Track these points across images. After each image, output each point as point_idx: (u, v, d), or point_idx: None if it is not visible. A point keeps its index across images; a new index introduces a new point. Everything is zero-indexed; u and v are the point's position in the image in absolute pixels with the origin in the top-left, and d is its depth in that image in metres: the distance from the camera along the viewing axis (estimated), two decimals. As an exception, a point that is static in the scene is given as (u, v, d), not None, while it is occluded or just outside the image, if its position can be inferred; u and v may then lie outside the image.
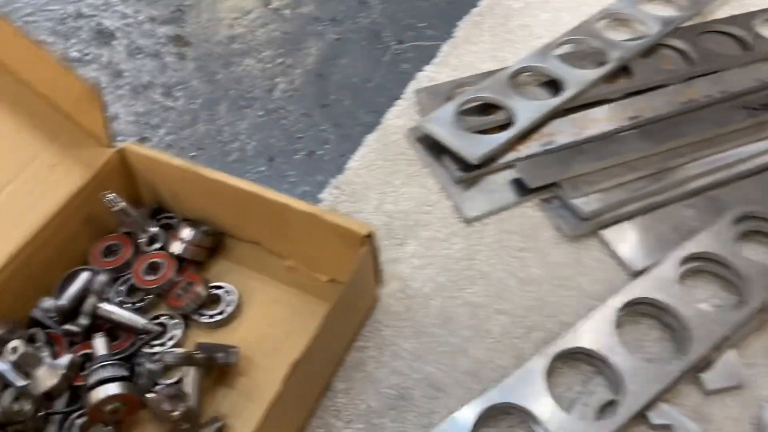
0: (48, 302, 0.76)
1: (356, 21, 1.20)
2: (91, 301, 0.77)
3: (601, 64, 1.04)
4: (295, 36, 1.18)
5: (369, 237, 0.72)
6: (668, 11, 1.13)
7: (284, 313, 0.81)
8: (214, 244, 0.86)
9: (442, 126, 0.93)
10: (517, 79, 1.03)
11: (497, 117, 0.97)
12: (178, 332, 0.79)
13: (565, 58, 1.04)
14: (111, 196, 0.81)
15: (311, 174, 0.98)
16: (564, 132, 0.95)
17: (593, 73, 1.00)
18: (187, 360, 0.72)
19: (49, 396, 0.73)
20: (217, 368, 0.76)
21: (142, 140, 1.04)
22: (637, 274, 0.83)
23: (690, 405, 0.73)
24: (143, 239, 0.85)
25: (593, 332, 0.77)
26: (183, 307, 0.79)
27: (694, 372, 0.75)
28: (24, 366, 0.72)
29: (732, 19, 1.11)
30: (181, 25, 1.20)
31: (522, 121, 0.94)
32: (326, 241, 0.76)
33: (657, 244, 0.85)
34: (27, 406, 0.69)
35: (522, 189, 0.91)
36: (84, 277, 0.80)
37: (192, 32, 1.19)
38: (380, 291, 0.83)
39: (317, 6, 1.23)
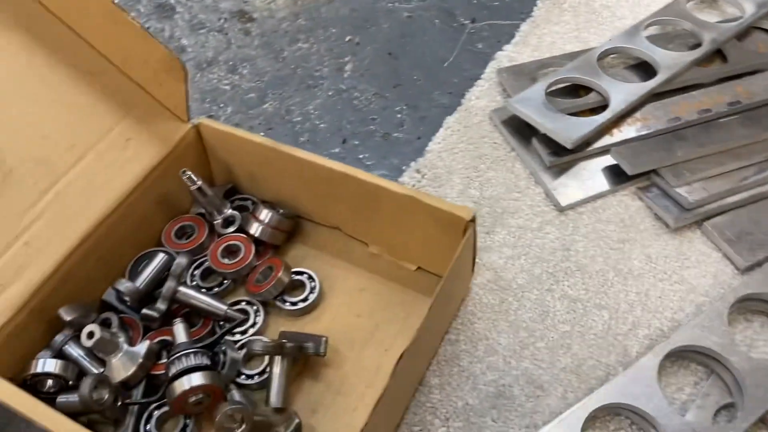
0: (126, 284, 0.71)
1: (427, -1, 1.15)
2: (170, 284, 0.72)
3: (693, 46, 0.98)
4: (364, 13, 1.12)
5: (473, 222, 0.66)
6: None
7: (371, 302, 0.76)
8: (291, 228, 0.81)
9: (532, 107, 0.88)
10: (603, 61, 0.97)
11: (588, 99, 0.91)
12: (259, 320, 0.74)
13: (654, 39, 0.98)
14: (189, 173, 0.76)
15: (387, 157, 0.93)
16: (658, 117, 0.89)
17: (688, 56, 0.94)
18: (276, 349, 0.67)
19: (126, 385, 0.68)
20: (303, 359, 0.71)
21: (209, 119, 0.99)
22: (745, 268, 0.77)
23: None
24: (218, 221, 0.80)
25: (704, 330, 0.71)
26: (263, 293, 0.74)
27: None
28: (99, 352, 0.68)
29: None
30: (245, 0, 1.15)
31: (616, 104, 0.88)
32: (420, 226, 0.71)
33: (766, 237, 0.79)
34: (106, 395, 0.65)
35: (617, 176, 0.86)
36: (161, 259, 0.75)
37: (256, 7, 1.14)
38: (472, 282, 0.78)
39: (385, -17, 1.18)
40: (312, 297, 0.75)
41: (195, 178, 0.76)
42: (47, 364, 0.66)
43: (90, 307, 0.72)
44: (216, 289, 0.77)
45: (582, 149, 0.86)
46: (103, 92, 0.76)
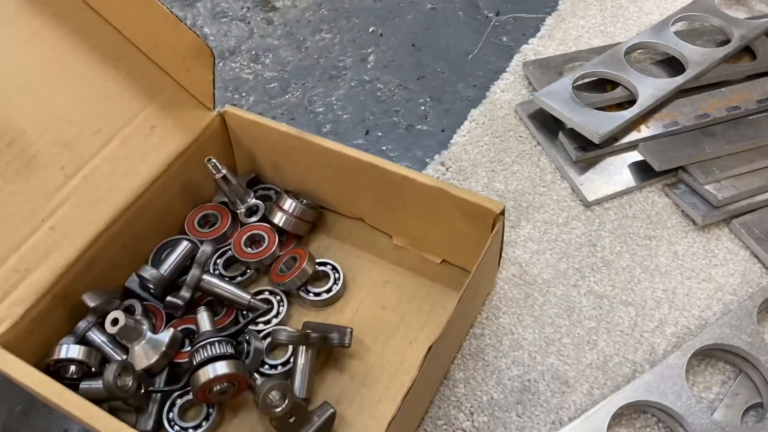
0: (150, 271, 0.71)
1: (451, -9, 1.14)
2: (194, 272, 0.71)
3: (722, 43, 0.97)
4: (387, 4, 1.12)
5: (502, 215, 0.66)
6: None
7: (396, 295, 0.75)
8: (315, 218, 0.81)
9: (559, 101, 0.87)
10: (630, 56, 0.96)
11: (616, 94, 0.90)
12: (282, 310, 0.73)
13: (682, 35, 0.97)
14: (214, 161, 0.75)
15: (411, 149, 0.92)
16: (686, 113, 0.88)
17: (717, 52, 0.93)
18: (301, 339, 0.67)
19: (149, 372, 0.68)
20: (326, 350, 0.71)
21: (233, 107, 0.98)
22: (775, 267, 0.77)
23: None
24: (241, 210, 0.80)
25: (733, 329, 0.70)
26: (287, 283, 0.74)
27: None
28: (122, 339, 0.68)
29: None
30: (267, -11, 1.15)
31: (644, 99, 0.87)
32: (447, 218, 0.71)
33: (796, 237, 0.78)
34: (129, 382, 0.64)
35: (644, 172, 0.85)
36: (184, 247, 0.75)
37: (279, -3, 1.14)
38: (497, 276, 0.77)
39: (408, -26, 1.17)
40: (336, 288, 0.75)
41: (220, 167, 0.76)
42: (71, 349, 0.66)
43: (113, 293, 0.72)
44: (239, 279, 0.76)
45: (609, 144, 0.85)
46: (130, 78, 0.76)
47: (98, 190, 0.71)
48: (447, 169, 0.88)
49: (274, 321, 0.73)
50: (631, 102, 0.88)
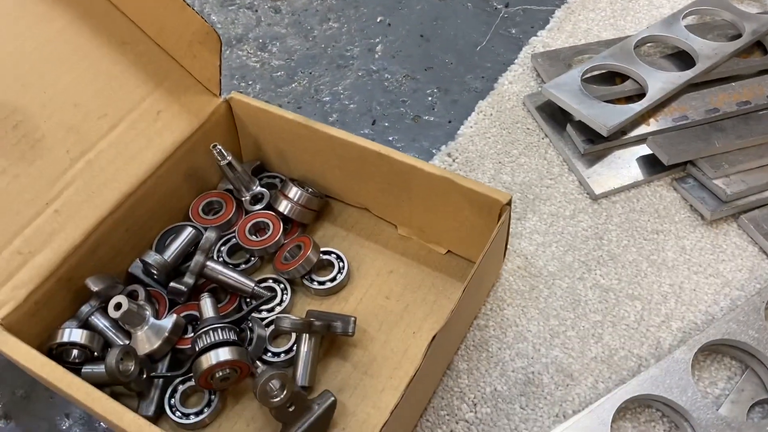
0: (154, 257, 0.70)
1: (459, -18, 1.13)
2: (198, 259, 0.71)
3: (733, 37, 0.96)
4: (396, -6, 1.11)
5: (509, 206, 0.65)
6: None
7: (400, 284, 0.75)
8: (320, 207, 0.80)
9: (568, 93, 0.86)
10: (639, 49, 0.95)
11: (625, 87, 0.89)
12: (286, 298, 0.73)
13: (692, 29, 0.96)
14: (220, 147, 0.75)
15: (417, 140, 0.91)
16: (696, 108, 0.87)
17: (728, 46, 0.92)
18: (305, 327, 0.66)
19: (151, 358, 0.68)
20: (329, 338, 0.70)
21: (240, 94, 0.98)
22: (783, 264, 0.76)
23: None
24: (246, 197, 0.79)
25: (740, 324, 0.70)
26: (291, 271, 0.73)
27: None
28: (125, 324, 0.67)
29: None
30: (275, -22, 1.14)
31: (654, 93, 0.86)
32: (454, 208, 0.70)
33: (805, 233, 0.78)
34: (132, 367, 0.64)
35: (652, 166, 0.84)
36: (188, 233, 0.74)
37: (286, -15, 1.13)
38: (502, 268, 0.77)
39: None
40: (340, 277, 0.74)
41: (225, 153, 0.75)
42: (73, 333, 0.66)
43: (117, 278, 0.72)
44: (243, 266, 0.76)
45: (617, 137, 0.85)
46: (136, 62, 0.75)
47: (103, 175, 0.70)
48: (454, 160, 0.87)
49: (278, 309, 0.72)
50: (640, 95, 0.88)
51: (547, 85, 0.87)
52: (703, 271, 0.76)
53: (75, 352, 0.66)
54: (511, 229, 0.80)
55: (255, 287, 0.72)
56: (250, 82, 1.00)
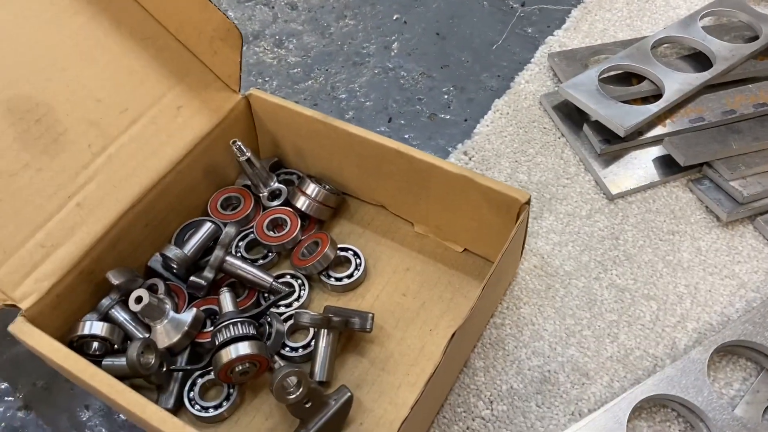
0: (175, 251, 0.71)
1: (475, -19, 1.14)
2: (218, 254, 0.71)
3: (750, 39, 0.96)
4: (412, -8, 1.11)
5: (527, 205, 0.65)
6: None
7: (417, 282, 0.75)
8: (338, 204, 0.81)
9: (585, 93, 0.86)
10: (656, 50, 0.95)
11: (642, 88, 0.89)
12: (304, 293, 0.74)
13: (710, 30, 0.96)
14: (239, 143, 0.75)
15: (433, 138, 0.92)
16: (713, 109, 0.87)
17: (746, 48, 0.92)
18: (323, 323, 0.67)
19: (170, 351, 0.68)
20: (347, 334, 0.71)
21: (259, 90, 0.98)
22: (799, 266, 0.76)
23: None
24: (264, 193, 0.80)
25: (756, 326, 0.70)
26: (308, 267, 0.74)
27: None
28: (145, 317, 0.68)
29: None
30: (292, -25, 1.15)
31: (671, 94, 0.86)
32: (471, 207, 0.70)
33: (821, 236, 0.78)
34: (152, 360, 0.65)
35: (668, 167, 0.84)
36: (207, 228, 0.75)
37: (303, -18, 1.13)
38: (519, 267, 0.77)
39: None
40: (357, 274, 0.75)
41: (245, 149, 0.76)
42: (94, 326, 0.66)
43: (136, 272, 0.72)
44: (260, 262, 0.76)
45: (633, 138, 0.85)
46: (157, 58, 0.76)
47: (124, 169, 0.71)
48: (470, 159, 0.87)
49: (296, 304, 0.73)
50: (657, 96, 0.88)
51: (565, 85, 0.88)
52: (719, 272, 0.76)
53: (95, 344, 0.67)
54: (527, 229, 0.80)
55: (273, 283, 0.72)
56: (266, 79, 1.00)
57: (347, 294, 0.75)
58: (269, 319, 0.69)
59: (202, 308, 0.71)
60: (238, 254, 0.77)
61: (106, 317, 0.69)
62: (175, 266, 0.72)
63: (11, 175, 0.66)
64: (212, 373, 0.67)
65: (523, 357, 0.71)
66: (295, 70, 1.01)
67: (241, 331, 0.65)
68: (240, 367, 0.64)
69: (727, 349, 0.70)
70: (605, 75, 0.91)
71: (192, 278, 0.71)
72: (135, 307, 0.66)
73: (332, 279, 0.74)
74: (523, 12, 1.07)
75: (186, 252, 0.72)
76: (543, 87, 0.95)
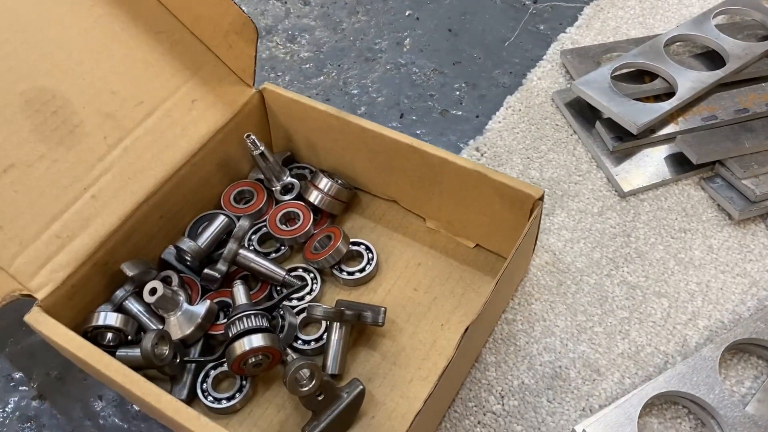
0: (189, 243, 0.71)
1: (487, -23, 1.14)
2: (231, 246, 0.72)
3: (763, 38, 0.96)
4: (424, -11, 1.12)
5: (541, 201, 0.66)
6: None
7: (428, 277, 0.75)
8: (350, 198, 0.81)
9: (597, 90, 0.86)
10: (669, 48, 0.95)
11: (655, 86, 0.89)
12: (316, 287, 0.74)
13: (723, 28, 0.96)
14: (253, 137, 0.76)
15: (445, 134, 0.92)
16: (725, 107, 0.87)
17: (759, 47, 0.92)
18: (336, 316, 0.67)
19: (184, 343, 0.69)
20: (358, 328, 0.71)
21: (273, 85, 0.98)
22: (811, 265, 0.76)
23: None
24: (277, 187, 0.80)
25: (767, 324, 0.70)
26: (321, 261, 0.74)
27: None
28: (159, 309, 0.69)
29: None
30: (304, -30, 1.15)
31: (684, 92, 0.86)
32: (484, 202, 0.71)
33: (833, 235, 0.78)
34: (166, 351, 0.65)
35: (680, 164, 0.84)
36: (221, 221, 0.75)
37: (316, -22, 1.14)
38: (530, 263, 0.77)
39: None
40: (369, 268, 0.75)
41: (258, 143, 0.76)
42: (109, 317, 0.67)
43: (150, 264, 0.73)
44: (273, 255, 0.77)
45: (646, 136, 0.85)
46: (172, 51, 0.76)
47: (139, 162, 0.71)
48: (482, 155, 0.88)
49: (308, 298, 0.73)
50: (669, 94, 0.88)
51: (577, 82, 0.88)
52: (731, 270, 0.76)
53: (110, 335, 0.68)
54: (540, 225, 0.80)
55: (286, 276, 0.72)
56: (279, 74, 1.00)
57: (359, 288, 0.75)
58: (282, 312, 0.70)
59: (215, 300, 0.71)
60: (251, 247, 0.77)
61: (120, 308, 0.70)
62: (188, 258, 0.73)
63: (28, 166, 0.66)
64: (225, 365, 0.67)
65: (534, 352, 0.71)
66: (308, 66, 1.01)
67: (254, 324, 0.65)
68: (253, 359, 0.64)
69: (738, 347, 0.70)
70: (618, 72, 0.91)
71: (206, 270, 0.71)
72: (149, 299, 0.67)
73: (344, 273, 0.75)
74: (536, 9, 1.07)
75: (200, 244, 0.73)
76: (555, 84, 0.95)
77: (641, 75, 0.93)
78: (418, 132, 0.92)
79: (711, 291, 0.75)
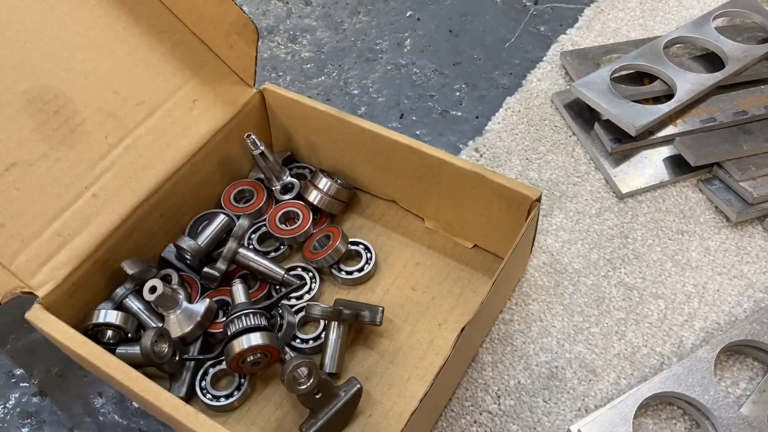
0: (189, 242, 0.72)
1: (488, -22, 1.14)
2: (231, 245, 0.72)
3: (762, 40, 0.96)
4: (425, -11, 1.12)
5: (538, 202, 0.66)
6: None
7: (426, 277, 0.76)
8: (349, 198, 0.82)
9: (597, 92, 0.87)
10: (668, 50, 0.96)
11: (653, 87, 0.90)
12: (315, 286, 0.75)
13: (722, 31, 0.97)
14: (254, 137, 0.76)
15: (444, 134, 0.92)
16: (724, 110, 0.88)
17: (758, 49, 0.92)
18: (334, 315, 0.68)
19: (183, 341, 0.69)
20: (356, 327, 0.72)
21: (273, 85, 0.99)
22: (807, 268, 0.76)
23: None
24: (276, 187, 0.81)
25: (763, 326, 0.70)
26: (320, 260, 0.75)
27: None
28: (159, 307, 0.69)
29: None
30: (306, -29, 1.15)
31: (683, 94, 0.87)
32: (482, 203, 0.71)
33: (830, 238, 0.78)
34: (166, 348, 0.66)
35: (679, 166, 0.84)
36: (221, 220, 0.76)
37: (317, -22, 1.14)
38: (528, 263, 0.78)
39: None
40: (368, 268, 0.75)
41: (259, 143, 0.77)
42: (109, 314, 0.67)
43: (151, 262, 0.73)
44: (272, 254, 0.77)
45: (644, 137, 0.85)
46: (173, 51, 0.77)
47: (140, 161, 0.72)
48: (481, 156, 0.88)
49: (307, 297, 0.74)
50: (668, 96, 0.88)
51: (576, 84, 0.88)
52: (727, 272, 0.77)
53: (110, 332, 0.68)
54: (537, 226, 0.81)
55: (285, 275, 0.73)
56: (280, 74, 1.01)
57: (357, 287, 0.76)
58: (280, 311, 0.70)
59: (214, 299, 0.72)
60: (251, 246, 0.78)
61: (120, 306, 0.70)
62: (188, 257, 0.73)
63: (30, 165, 0.67)
64: (224, 363, 0.68)
65: (531, 353, 0.71)
66: (309, 66, 1.02)
67: (253, 322, 0.65)
68: (251, 358, 0.65)
69: (734, 348, 0.71)
70: (617, 74, 0.92)
71: (205, 269, 0.72)
72: (149, 297, 0.67)
73: (343, 272, 0.75)
74: (536, 10, 1.08)
75: (200, 243, 0.73)
76: (555, 85, 0.95)
77: (640, 77, 0.93)
78: (417, 132, 0.93)
79: (707, 292, 0.75)
